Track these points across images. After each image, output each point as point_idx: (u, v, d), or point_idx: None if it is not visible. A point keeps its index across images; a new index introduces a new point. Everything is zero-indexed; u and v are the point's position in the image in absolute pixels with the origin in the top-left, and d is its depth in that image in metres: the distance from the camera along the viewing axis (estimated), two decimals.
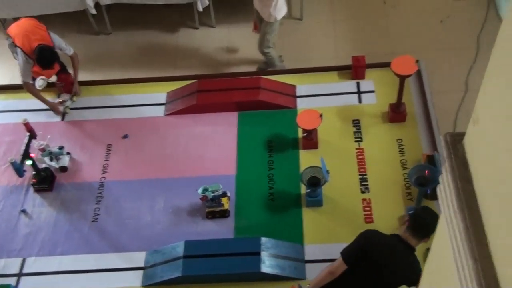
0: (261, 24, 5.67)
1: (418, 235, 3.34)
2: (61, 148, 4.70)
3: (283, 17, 5.65)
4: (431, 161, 4.12)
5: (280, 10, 5.49)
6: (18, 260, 4.23)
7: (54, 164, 4.66)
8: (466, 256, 1.54)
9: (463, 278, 1.60)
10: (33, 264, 4.21)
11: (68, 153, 4.75)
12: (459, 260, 1.60)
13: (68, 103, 5.13)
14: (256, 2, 5.55)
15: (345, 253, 3.44)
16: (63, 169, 4.67)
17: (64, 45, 5.06)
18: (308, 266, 4.00)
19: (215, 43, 6.69)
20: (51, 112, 5.09)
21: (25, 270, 4.18)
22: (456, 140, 1.87)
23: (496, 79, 1.59)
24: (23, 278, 4.14)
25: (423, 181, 3.84)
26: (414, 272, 3.25)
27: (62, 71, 5.30)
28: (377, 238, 3.46)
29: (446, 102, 5.61)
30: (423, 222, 3.33)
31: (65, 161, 4.69)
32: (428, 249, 3.80)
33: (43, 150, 4.60)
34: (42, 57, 4.75)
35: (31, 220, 4.45)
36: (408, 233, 3.36)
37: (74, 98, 5.18)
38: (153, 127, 4.93)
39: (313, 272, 3.87)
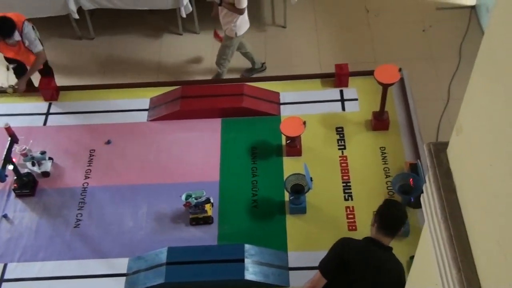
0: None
1: (390, 232, 3.33)
2: (43, 153, 4.65)
3: (245, 32, 5.77)
4: (414, 169, 4.16)
5: (241, 27, 5.64)
6: None
7: (36, 169, 4.61)
8: (450, 266, 1.56)
9: None
10: (15, 269, 4.15)
11: (50, 158, 4.71)
12: (443, 270, 1.62)
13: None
14: (220, 16, 5.65)
15: (323, 266, 3.39)
16: (45, 174, 4.63)
17: (33, 38, 5.02)
18: (291, 273, 3.99)
19: (199, 49, 6.69)
20: (34, 117, 5.05)
21: (6, 276, 4.12)
22: (440, 150, 1.89)
23: (479, 90, 1.62)
24: (4, 284, 4.08)
25: (406, 189, 3.87)
26: (398, 272, 3.25)
27: (46, 74, 5.26)
28: (352, 244, 3.44)
29: (428, 110, 5.68)
30: (392, 219, 3.33)
31: (47, 166, 4.65)
32: (411, 258, 3.84)
33: (25, 155, 4.55)
34: None
35: (13, 225, 4.39)
36: (381, 233, 3.33)
37: (9, 90, 5.15)
38: (136, 133, 4.91)
39: (297, 280, 3.88)
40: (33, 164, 4.61)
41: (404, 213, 3.40)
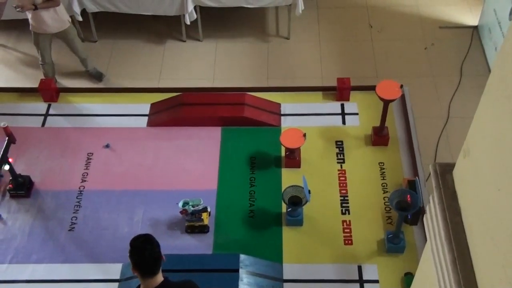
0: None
1: (156, 271, 3.07)
2: None
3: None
4: (412, 186, 4.15)
5: (65, 12, 5.79)
6: None
7: None
8: None
9: None
10: (6, 271, 4.10)
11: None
12: None
13: None
14: (50, 22, 5.67)
15: None
16: None
17: None
18: (286, 285, 3.97)
19: (202, 56, 6.69)
20: (31, 118, 5.01)
21: None
22: (446, 171, 1.88)
23: (488, 114, 1.61)
24: None
25: (403, 206, 3.86)
26: None
27: None
28: None
29: (428, 128, 5.69)
30: (149, 261, 3.05)
31: None
32: (406, 274, 3.82)
33: None
34: None
35: (6, 226, 4.35)
36: (147, 277, 3.07)
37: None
38: (135, 138, 4.88)
39: None
40: None
41: (155, 244, 3.09)
